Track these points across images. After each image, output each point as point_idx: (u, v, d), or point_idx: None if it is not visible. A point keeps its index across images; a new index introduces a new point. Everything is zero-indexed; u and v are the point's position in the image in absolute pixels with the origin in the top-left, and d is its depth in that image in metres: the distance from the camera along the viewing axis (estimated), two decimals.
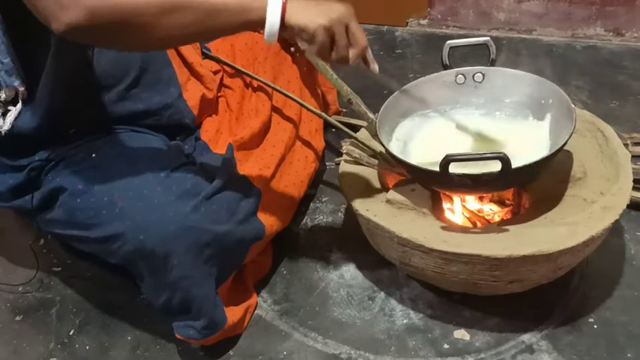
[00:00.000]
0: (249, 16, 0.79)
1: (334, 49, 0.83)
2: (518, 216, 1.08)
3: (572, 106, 1.01)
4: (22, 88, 0.94)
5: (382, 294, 1.14)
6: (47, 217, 1.03)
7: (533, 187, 1.07)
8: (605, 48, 1.80)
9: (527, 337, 1.04)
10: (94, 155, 0.99)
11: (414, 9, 1.97)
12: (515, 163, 0.89)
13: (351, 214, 1.28)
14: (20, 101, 0.95)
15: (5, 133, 0.96)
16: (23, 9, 0.79)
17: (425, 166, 0.97)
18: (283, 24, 0.79)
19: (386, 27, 2.00)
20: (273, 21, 0.79)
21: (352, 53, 0.84)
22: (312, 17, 0.79)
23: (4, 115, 0.96)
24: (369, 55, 0.88)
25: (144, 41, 0.81)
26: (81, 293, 1.20)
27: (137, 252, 0.93)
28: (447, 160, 0.89)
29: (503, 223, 1.04)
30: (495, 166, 0.89)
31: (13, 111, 0.96)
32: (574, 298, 1.09)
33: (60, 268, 1.26)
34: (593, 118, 1.16)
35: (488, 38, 1.14)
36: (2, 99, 0.94)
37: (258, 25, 0.80)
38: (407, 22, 1.99)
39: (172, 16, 0.77)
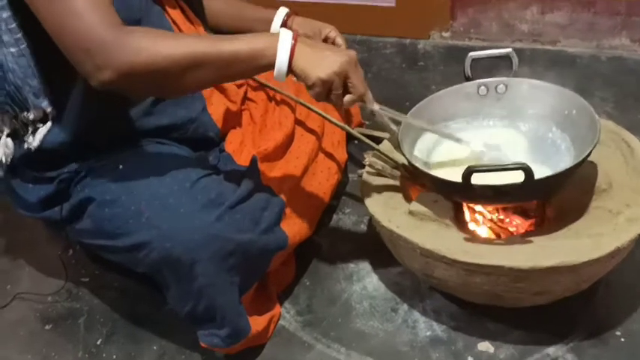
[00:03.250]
0: (261, 61, 0.87)
1: (330, 96, 0.89)
2: (542, 227, 1.07)
3: (596, 116, 1.00)
4: (49, 109, 0.97)
5: (405, 305, 1.14)
6: (76, 228, 1.06)
7: (557, 199, 1.07)
8: (631, 59, 1.78)
9: (552, 350, 1.02)
10: (120, 167, 1.01)
11: (437, 22, 1.97)
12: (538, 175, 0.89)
13: (373, 226, 1.29)
14: (50, 120, 0.98)
15: (35, 149, 0.99)
16: (49, 35, 0.84)
17: (447, 178, 0.97)
18: (291, 68, 0.87)
19: (408, 40, 2.01)
20: (281, 66, 0.87)
21: (348, 99, 0.90)
22: (313, 69, 0.86)
23: (34, 132, 0.99)
24: (368, 97, 0.93)
25: (171, 92, 0.95)
26: (108, 303, 1.23)
27: (163, 260, 0.94)
28: (469, 172, 0.90)
29: (527, 234, 1.03)
30: (518, 177, 0.89)
31: (43, 129, 0.99)
32: (600, 310, 1.07)
33: (88, 279, 1.29)
34: (617, 129, 1.14)
35: (510, 49, 1.15)
36: (31, 118, 0.97)
37: (270, 68, 0.88)
38: (429, 35, 2.00)
39: (194, 73, 0.85)
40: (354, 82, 0.89)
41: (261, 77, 1.27)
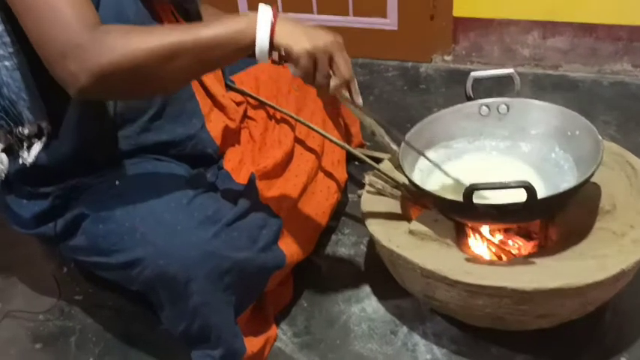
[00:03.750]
0: (242, 42, 0.82)
1: (316, 75, 0.84)
2: (546, 249, 1.05)
3: (599, 137, 0.99)
4: (44, 124, 0.96)
5: (405, 328, 1.11)
6: (70, 244, 1.04)
7: (561, 220, 1.05)
8: (633, 84, 1.78)
9: None
10: (117, 182, 1.00)
11: (439, 45, 1.98)
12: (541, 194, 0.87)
13: (373, 247, 1.27)
14: (45, 135, 0.97)
15: (30, 165, 0.97)
16: None
17: (448, 197, 0.96)
18: (272, 44, 0.82)
19: (410, 63, 2.01)
20: (262, 42, 0.82)
21: (333, 83, 0.85)
22: (297, 40, 0.82)
23: (29, 148, 0.98)
24: (354, 87, 0.89)
25: (154, 89, 0.89)
26: (101, 323, 1.20)
27: (157, 277, 0.92)
28: (470, 189, 0.88)
29: (530, 256, 1.01)
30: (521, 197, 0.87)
31: (38, 144, 0.97)
32: (606, 335, 1.04)
33: (81, 297, 1.26)
34: (621, 151, 1.13)
35: (512, 70, 1.14)
36: (26, 134, 0.96)
37: (252, 48, 0.83)
38: (431, 59, 2.01)
39: (172, 63, 0.81)
40: (339, 64, 0.84)
41: (262, 95, 1.27)
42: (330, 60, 0.84)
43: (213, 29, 0.82)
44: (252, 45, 0.82)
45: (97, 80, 0.79)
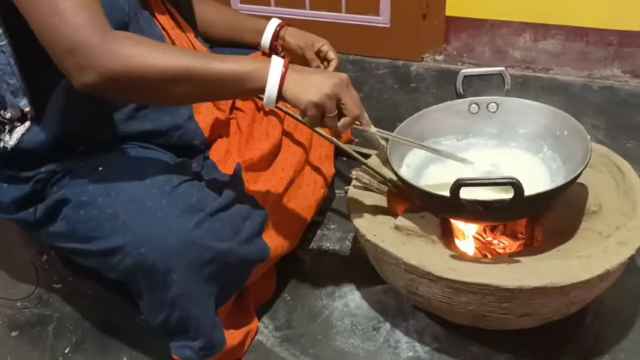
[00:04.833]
0: (250, 85, 0.86)
1: (324, 120, 0.87)
2: (531, 248, 1.04)
3: (588, 137, 0.99)
4: (27, 108, 0.94)
5: (387, 325, 1.10)
6: (50, 230, 1.02)
7: (547, 220, 1.05)
8: (623, 89, 1.79)
9: None
10: (100, 168, 0.98)
11: (431, 45, 1.97)
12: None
13: (358, 242, 1.26)
14: (28, 119, 0.96)
15: (11, 148, 0.96)
16: (31, 33, 0.82)
17: (435, 191, 0.95)
18: (280, 94, 0.85)
19: (401, 61, 2.01)
20: (271, 93, 0.85)
21: (342, 122, 0.88)
22: (304, 93, 0.85)
23: (11, 131, 0.96)
24: (364, 119, 0.92)
25: (151, 102, 0.97)
26: (80, 311, 1.18)
27: (137, 266, 0.91)
28: (457, 184, 0.87)
29: (515, 254, 1.00)
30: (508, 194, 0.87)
31: (21, 128, 0.96)
32: (588, 336, 1.04)
33: (60, 285, 1.24)
34: (609, 153, 1.13)
35: (503, 68, 1.14)
36: (8, 117, 0.94)
37: (257, 92, 0.87)
38: (422, 57, 2.00)
39: (177, 86, 0.84)
40: (347, 104, 0.87)
41: None
42: (338, 101, 0.86)
43: (224, 64, 0.84)
44: (257, 90, 0.86)
45: (102, 81, 0.81)
